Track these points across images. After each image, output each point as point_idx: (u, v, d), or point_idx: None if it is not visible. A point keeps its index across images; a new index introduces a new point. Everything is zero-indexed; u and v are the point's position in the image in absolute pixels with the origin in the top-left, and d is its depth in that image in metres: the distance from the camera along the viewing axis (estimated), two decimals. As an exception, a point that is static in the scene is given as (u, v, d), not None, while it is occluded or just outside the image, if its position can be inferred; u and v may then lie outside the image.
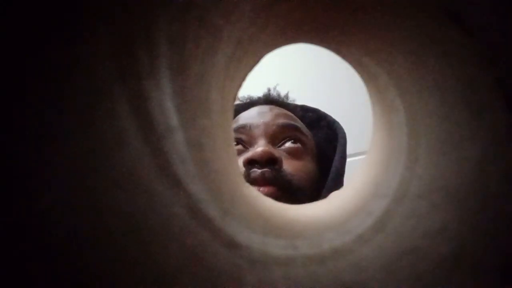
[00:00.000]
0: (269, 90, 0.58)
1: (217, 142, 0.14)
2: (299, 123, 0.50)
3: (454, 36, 0.14)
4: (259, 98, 0.57)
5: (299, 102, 0.60)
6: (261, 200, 0.16)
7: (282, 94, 0.59)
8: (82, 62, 0.12)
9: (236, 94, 0.17)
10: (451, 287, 0.13)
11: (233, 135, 0.17)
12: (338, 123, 0.56)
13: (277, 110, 0.51)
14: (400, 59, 0.15)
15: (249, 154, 0.41)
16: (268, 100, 0.56)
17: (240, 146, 0.46)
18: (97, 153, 0.12)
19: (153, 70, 0.12)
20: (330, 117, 0.57)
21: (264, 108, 0.51)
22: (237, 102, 0.58)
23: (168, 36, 0.13)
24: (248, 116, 0.49)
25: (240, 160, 0.42)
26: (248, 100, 0.58)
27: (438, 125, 0.14)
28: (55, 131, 0.12)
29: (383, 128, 0.17)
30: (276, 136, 0.46)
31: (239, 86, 0.17)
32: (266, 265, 0.13)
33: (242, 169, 0.42)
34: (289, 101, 0.58)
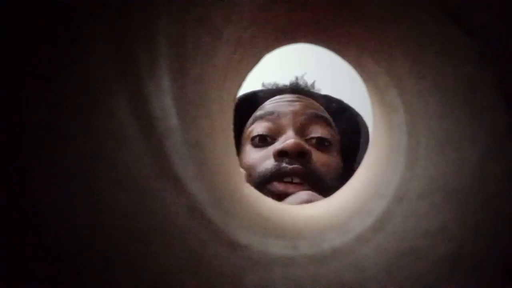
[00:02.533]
0: (297, 78, 0.55)
1: (217, 142, 0.14)
2: (327, 115, 0.48)
3: (454, 36, 0.14)
4: (285, 86, 0.54)
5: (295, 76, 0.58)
6: (261, 200, 0.16)
7: (309, 83, 0.56)
8: (82, 62, 0.12)
9: (236, 94, 0.17)
10: (451, 287, 0.13)
11: (232, 134, 0.17)
12: (361, 116, 0.54)
13: (305, 99, 0.49)
14: (400, 59, 0.15)
15: (279, 145, 0.40)
16: (295, 89, 0.53)
17: (266, 140, 0.44)
18: (97, 153, 0.12)
19: (153, 70, 0.12)
20: (354, 109, 0.55)
21: (292, 96, 0.49)
22: (262, 88, 0.55)
23: (168, 36, 0.13)
24: (276, 104, 0.47)
25: (269, 151, 0.41)
26: (274, 87, 0.55)
27: (438, 125, 0.14)
28: (55, 131, 0.12)
29: (383, 128, 0.17)
30: (304, 127, 0.44)
31: (239, 86, 0.17)
32: (266, 265, 0.13)
33: (271, 160, 0.40)
34: (315, 90, 0.56)
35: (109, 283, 0.12)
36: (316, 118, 0.46)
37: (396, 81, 0.15)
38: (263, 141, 0.44)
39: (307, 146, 0.41)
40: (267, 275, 0.13)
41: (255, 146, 0.45)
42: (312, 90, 0.55)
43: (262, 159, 0.42)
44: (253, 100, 0.51)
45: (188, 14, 0.13)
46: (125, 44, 0.12)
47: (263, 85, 0.57)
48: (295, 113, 0.45)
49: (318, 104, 0.50)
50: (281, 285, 0.13)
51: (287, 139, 0.41)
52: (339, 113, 0.53)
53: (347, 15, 0.15)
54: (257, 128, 0.45)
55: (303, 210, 0.17)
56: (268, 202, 0.17)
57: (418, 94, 0.14)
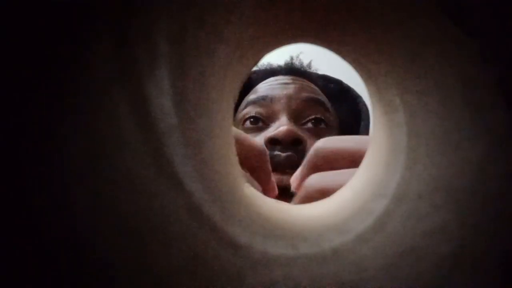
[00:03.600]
0: (292, 58, 0.52)
1: (217, 142, 0.14)
2: (324, 98, 0.46)
3: (454, 36, 0.14)
4: (279, 66, 0.51)
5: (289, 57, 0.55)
6: (261, 200, 0.16)
7: (305, 63, 0.53)
8: (82, 62, 0.12)
9: (236, 94, 0.17)
10: (451, 287, 0.13)
11: (233, 134, 0.17)
12: (362, 98, 0.51)
13: (300, 81, 0.46)
14: (400, 59, 0.15)
15: (271, 132, 0.38)
16: (290, 69, 0.50)
17: (258, 123, 0.41)
18: (96, 153, 0.12)
19: (153, 70, 0.12)
20: (354, 91, 0.52)
21: (286, 78, 0.46)
22: (255, 69, 0.52)
23: (168, 36, 0.13)
24: (269, 87, 0.44)
25: (261, 138, 0.38)
26: (267, 68, 0.52)
27: (438, 125, 0.14)
28: (55, 131, 0.12)
29: (383, 128, 0.17)
30: (299, 112, 0.42)
31: (239, 86, 0.17)
32: (266, 265, 0.13)
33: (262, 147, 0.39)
34: (311, 70, 0.52)
35: (109, 283, 0.12)
36: (312, 102, 0.43)
37: (396, 81, 0.15)
38: (255, 124, 0.42)
39: (301, 133, 0.39)
40: (267, 275, 0.13)
41: (247, 130, 0.42)
42: (308, 70, 0.52)
43: None
44: (246, 82, 0.51)
45: (188, 14, 0.13)
46: (125, 44, 0.12)
47: (257, 66, 0.55)
48: (289, 97, 0.42)
49: (314, 86, 0.47)
50: (281, 285, 0.13)
51: (280, 125, 0.39)
52: (338, 95, 0.51)
53: (347, 15, 0.15)
54: (250, 112, 0.42)
55: (303, 210, 0.17)
56: (268, 202, 0.17)
57: (418, 94, 0.14)
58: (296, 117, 0.42)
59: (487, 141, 0.13)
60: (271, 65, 0.54)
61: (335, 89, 0.52)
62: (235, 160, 0.16)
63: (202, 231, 0.13)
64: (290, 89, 0.44)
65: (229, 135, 0.16)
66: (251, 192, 0.16)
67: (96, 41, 0.12)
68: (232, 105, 0.17)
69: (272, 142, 0.38)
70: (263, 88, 0.45)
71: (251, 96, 0.44)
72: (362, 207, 0.15)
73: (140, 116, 0.12)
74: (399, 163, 0.15)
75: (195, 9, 0.13)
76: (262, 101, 0.43)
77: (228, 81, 0.15)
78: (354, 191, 0.17)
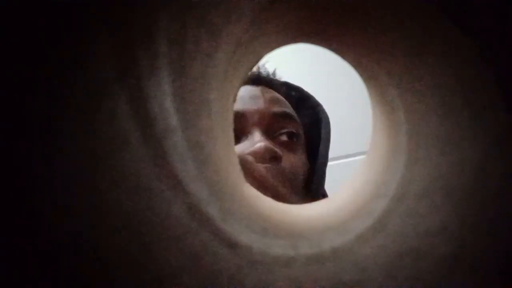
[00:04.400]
0: (258, 68, 0.52)
1: (217, 142, 0.14)
2: (291, 110, 0.46)
3: (454, 36, 0.14)
4: (249, 76, 0.50)
5: (256, 66, 0.55)
6: (261, 200, 0.16)
7: (270, 71, 0.53)
8: (82, 62, 0.12)
9: (236, 94, 0.17)
10: (451, 287, 0.13)
11: (232, 134, 0.17)
12: (321, 106, 0.52)
13: (269, 93, 0.47)
14: (400, 59, 0.15)
15: (250, 148, 0.39)
16: (257, 79, 0.50)
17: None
18: (97, 153, 0.12)
19: (153, 70, 0.12)
20: (314, 98, 0.53)
21: (255, 90, 0.46)
22: None
23: (168, 36, 0.13)
24: (239, 100, 0.44)
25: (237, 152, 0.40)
26: None
27: (438, 125, 0.14)
28: (55, 131, 0.12)
29: (383, 128, 0.17)
30: (271, 127, 0.43)
31: (239, 86, 0.17)
32: (266, 265, 0.13)
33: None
34: (276, 78, 0.53)
35: (109, 283, 0.12)
36: (283, 116, 0.44)
37: (396, 81, 0.15)
38: None
39: (277, 150, 0.40)
40: (267, 275, 0.13)
41: None
42: (273, 78, 0.52)
43: None
44: None
45: (188, 14, 0.13)
46: (125, 44, 0.12)
47: None
48: (261, 112, 0.43)
49: (282, 98, 0.48)
50: (281, 285, 0.13)
51: (256, 141, 0.40)
52: (300, 102, 0.52)
53: (347, 15, 0.15)
54: None
55: (304, 210, 0.17)
56: (268, 202, 0.17)
57: (418, 94, 0.14)
58: (268, 131, 0.43)
59: (486, 141, 0.13)
60: None
61: (296, 96, 0.53)
62: (235, 160, 0.16)
63: (202, 231, 0.13)
64: (261, 104, 0.44)
65: (229, 135, 0.16)
66: (251, 192, 0.16)
67: (96, 41, 0.12)
68: (232, 105, 0.17)
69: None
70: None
71: None
72: (362, 207, 0.15)
73: (140, 116, 0.12)
74: (399, 163, 0.15)
75: (195, 9, 0.13)
76: (235, 117, 0.43)
77: (228, 81, 0.15)
78: (354, 191, 0.17)
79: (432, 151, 0.14)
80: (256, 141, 0.39)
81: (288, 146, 0.43)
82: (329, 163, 0.50)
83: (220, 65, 0.14)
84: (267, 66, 0.52)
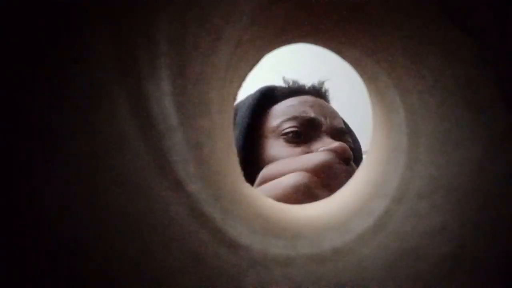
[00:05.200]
0: (322, 82, 0.56)
1: (217, 142, 0.14)
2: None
3: (454, 36, 0.14)
4: (310, 87, 0.55)
5: (317, 81, 0.58)
6: (261, 200, 0.16)
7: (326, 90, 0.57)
8: (82, 62, 0.12)
9: (236, 94, 0.17)
10: (451, 287, 0.13)
11: (233, 134, 0.17)
12: (353, 132, 0.56)
13: (331, 108, 0.50)
14: (400, 59, 0.15)
15: (331, 145, 0.40)
16: (318, 92, 0.54)
17: (300, 138, 0.44)
18: (97, 153, 0.12)
19: (153, 70, 0.12)
20: (347, 124, 0.57)
21: (321, 101, 0.50)
22: (283, 85, 0.55)
23: (168, 36, 0.13)
24: (308, 106, 0.47)
25: (302, 148, 0.42)
26: (295, 86, 0.55)
27: (438, 125, 0.14)
28: (55, 131, 0.12)
29: (383, 128, 0.17)
30: (334, 138, 0.45)
31: (239, 86, 0.17)
32: (266, 265, 0.13)
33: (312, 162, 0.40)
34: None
35: (109, 283, 0.12)
36: (342, 132, 0.47)
37: (396, 81, 0.15)
38: (297, 138, 0.44)
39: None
40: (267, 275, 0.13)
41: (289, 141, 0.45)
42: (328, 98, 0.56)
43: (302, 154, 0.42)
44: (272, 94, 0.51)
45: (188, 14, 0.13)
46: (125, 44, 0.12)
47: (284, 80, 0.56)
48: (329, 123, 0.46)
49: (339, 115, 0.51)
50: (281, 285, 0.13)
51: (329, 143, 0.41)
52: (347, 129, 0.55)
53: (347, 15, 0.15)
54: (293, 126, 0.45)
55: (303, 210, 0.17)
56: (268, 202, 0.17)
57: (418, 94, 0.14)
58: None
59: (486, 141, 0.13)
60: (298, 82, 0.56)
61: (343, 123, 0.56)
62: (235, 160, 0.16)
63: (202, 231, 0.13)
64: (329, 115, 0.47)
65: (229, 136, 0.16)
66: (251, 192, 0.16)
67: (96, 41, 0.12)
68: (232, 105, 0.17)
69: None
70: (302, 105, 0.48)
71: (294, 113, 0.47)
72: (362, 207, 0.15)
73: (140, 116, 0.12)
74: (399, 163, 0.15)
75: (195, 9, 0.13)
76: (312, 122, 0.46)
77: (228, 81, 0.15)
78: (354, 191, 0.17)
79: (432, 151, 0.14)
80: (329, 142, 0.42)
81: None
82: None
83: (220, 65, 0.14)
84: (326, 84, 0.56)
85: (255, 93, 0.52)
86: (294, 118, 0.46)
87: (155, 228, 0.12)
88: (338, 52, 0.18)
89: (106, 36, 0.12)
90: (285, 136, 0.45)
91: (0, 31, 0.11)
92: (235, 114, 0.51)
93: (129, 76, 0.12)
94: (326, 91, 0.56)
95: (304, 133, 0.44)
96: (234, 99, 0.17)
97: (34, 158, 0.12)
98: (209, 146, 0.13)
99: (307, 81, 0.56)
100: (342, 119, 0.51)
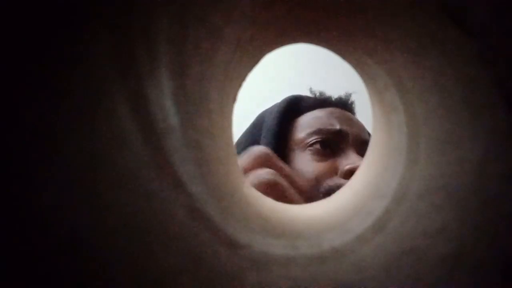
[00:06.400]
0: (349, 95, 0.56)
1: (217, 142, 0.14)
2: None
3: (454, 36, 0.14)
4: (337, 99, 0.55)
5: (343, 93, 0.59)
6: (261, 200, 0.16)
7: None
8: (82, 62, 0.12)
9: (236, 94, 0.17)
10: (451, 287, 0.13)
11: (232, 134, 0.17)
12: None
13: (358, 121, 0.50)
14: (400, 59, 0.15)
15: (350, 165, 0.41)
16: (345, 105, 0.54)
17: (327, 150, 0.45)
18: (97, 153, 0.12)
19: (153, 70, 0.12)
20: None
21: (348, 114, 0.50)
22: (310, 95, 0.56)
23: (168, 36, 0.13)
24: (336, 118, 0.47)
25: (335, 166, 0.42)
26: (322, 97, 0.56)
27: (438, 125, 0.14)
28: (55, 131, 0.12)
29: (383, 128, 0.17)
30: (361, 152, 0.45)
31: (239, 86, 0.17)
32: (266, 265, 0.13)
33: (339, 177, 0.41)
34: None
35: (109, 283, 0.12)
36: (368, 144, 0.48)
37: (396, 81, 0.15)
38: (324, 149, 0.45)
39: None
40: (267, 275, 0.13)
41: (315, 154, 0.45)
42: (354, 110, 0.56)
43: (329, 172, 0.42)
44: (298, 105, 0.52)
45: (188, 14, 0.13)
46: (125, 44, 0.12)
47: (310, 91, 0.57)
48: (355, 135, 0.46)
49: (365, 128, 0.51)
50: (281, 285, 0.13)
51: (354, 160, 0.42)
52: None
53: (347, 15, 0.15)
54: (320, 138, 0.45)
55: (303, 210, 0.17)
56: (268, 202, 0.17)
57: (418, 94, 0.14)
58: (359, 154, 0.45)
59: (487, 141, 0.13)
60: (324, 94, 0.57)
61: None
62: (235, 160, 0.16)
63: (202, 231, 0.13)
64: (356, 128, 0.47)
65: (229, 135, 0.16)
66: (251, 192, 0.16)
67: (96, 41, 0.12)
68: (233, 105, 0.17)
69: (351, 174, 0.41)
70: (329, 117, 0.48)
71: (320, 126, 0.47)
72: (362, 207, 0.15)
73: (140, 116, 0.12)
74: (399, 163, 0.15)
75: (195, 9, 0.13)
76: (338, 133, 0.46)
77: (228, 81, 0.15)
78: (354, 191, 0.17)
79: (432, 151, 0.14)
80: (355, 159, 0.42)
81: None
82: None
83: (220, 65, 0.14)
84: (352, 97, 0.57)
85: (281, 103, 0.52)
86: (320, 130, 0.46)
87: (155, 228, 0.12)
88: (338, 52, 0.18)
89: (106, 36, 0.12)
90: (311, 148, 0.45)
91: (0, 31, 0.11)
92: (261, 124, 0.51)
93: (129, 76, 0.12)
94: (352, 103, 0.56)
95: (331, 145, 0.44)
96: (234, 99, 0.17)
97: (34, 158, 0.12)
98: (209, 146, 0.13)
99: (334, 93, 0.56)
100: (367, 131, 0.51)
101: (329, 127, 0.46)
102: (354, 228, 0.14)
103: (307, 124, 0.48)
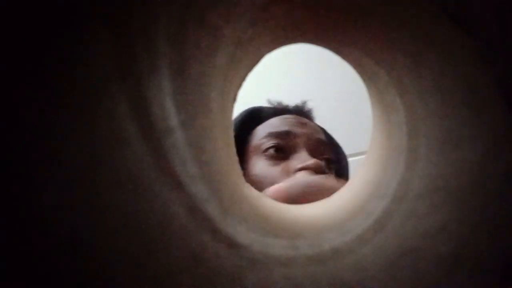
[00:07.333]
0: (305, 102, 0.60)
1: (217, 142, 0.14)
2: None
3: (454, 36, 0.14)
4: (294, 107, 0.59)
5: (300, 101, 0.62)
6: (261, 200, 0.16)
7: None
8: (82, 62, 0.12)
9: (236, 94, 0.17)
10: (451, 287, 0.13)
11: (232, 134, 0.17)
12: (341, 147, 0.59)
13: (312, 123, 0.53)
14: (400, 59, 0.15)
15: (305, 163, 0.43)
16: (301, 111, 0.58)
17: (280, 153, 0.47)
18: (97, 153, 0.12)
19: (153, 70, 0.12)
20: (334, 139, 0.60)
21: (301, 119, 0.53)
22: (268, 105, 0.59)
23: (168, 36, 0.13)
24: (288, 123, 0.50)
25: (288, 168, 0.44)
26: (279, 106, 0.60)
27: (438, 125, 0.14)
28: (55, 131, 0.12)
29: (383, 128, 0.17)
30: (315, 151, 0.47)
31: (239, 86, 0.17)
32: (266, 265, 0.13)
33: (290, 174, 0.42)
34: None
35: (109, 283, 0.12)
36: (325, 144, 0.50)
37: (396, 81, 0.15)
38: (278, 153, 0.47)
39: (325, 168, 0.44)
40: (267, 275, 0.13)
41: (269, 158, 0.47)
42: (311, 116, 0.60)
43: (282, 174, 0.44)
44: (258, 115, 0.55)
45: (188, 14, 0.13)
46: (125, 44, 0.12)
47: (269, 101, 0.61)
48: (308, 136, 0.48)
49: (321, 130, 0.53)
50: (281, 285, 0.13)
51: (305, 159, 0.44)
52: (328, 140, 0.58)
53: (348, 15, 0.15)
54: (273, 143, 0.48)
55: (303, 210, 0.17)
56: (268, 202, 0.17)
57: (418, 94, 0.14)
58: (312, 153, 0.48)
59: (487, 141, 0.14)
60: (281, 103, 0.61)
61: (326, 135, 0.59)
62: (235, 160, 0.16)
63: (202, 231, 0.13)
64: (308, 129, 0.50)
65: (229, 135, 0.16)
66: (251, 192, 0.16)
67: (96, 41, 0.12)
68: (233, 105, 0.17)
69: (302, 170, 0.44)
70: (282, 123, 0.51)
71: (271, 129, 0.50)
72: (362, 207, 0.15)
73: (140, 116, 0.12)
74: (399, 163, 0.15)
75: (195, 9, 0.13)
76: (285, 135, 0.49)
77: (228, 81, 0.15)
78: (354, 191, 0.17)
79: (432, 151, 0.14)
80: (306, 159, 0.44)
81: (328, 171, 0.47)
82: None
83: (220, 65, 0.14)
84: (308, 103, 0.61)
85: (241, 114, 0.55)
86: (270, 133, 0.49)
87: (155, 228, 0.12)
88: (338, 52, 0.18)
89: (106, 36, 0.12)
90: (266, 153, 0.47)
91: (1, 31, 0.11)
92: None
93: (129, 76, 0.12)
94: (309, 110, 0.60)
95: (284, 148, 0.46)
96: (234, 99, 0.17)
97: (34, 158, 0.12)
98: (209, 146, 0.13)
99: (291, 102, 0.60)
100: (324, 133, 0.53)
101: (278, 130, 0.48)
102: (354, 228, 0.14)
103: (261, 131, 0.51)
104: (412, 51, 0.14)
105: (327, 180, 0.33)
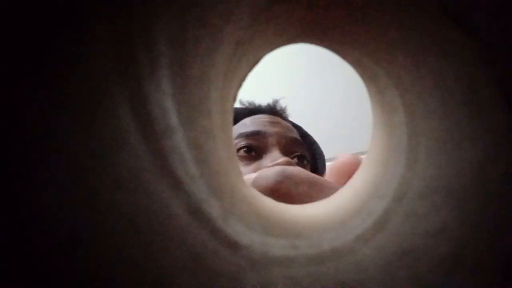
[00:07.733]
0: (276, 101, 0.60)
1: (217, 142, 0.14)
2: (301, 140, 0.53)
3: (454, 36, 0.14)
4: (266, 106, 0.59)
5: (300, 101, 0.63)
6: (261, 200, 0.16)
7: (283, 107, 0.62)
8: (82, 62, 0.12)
9: (236, 94, 0.17)
10: (451, 287, 0.13)
11: (232, 135, 0.17)
12: (317, 144, 0.60)
13: (284, 122, 0.54)
14: (400, 59, 0.15)
15: (274, 162, 0.43)
16: (273, 110, 0.58)
17: (251, 153, 0.47)
18: (96, 153, 0.12)
19: (153, 70, 0.12)
20: (311, 136, 0.62)
21: (273, 118, 0.53)
22: (240, 106, 0.59)
23: (168, 36, 0.13)
24: (260, 123, 0.50)
25: (259, 167, 0.44)
26: (252, 106, 0.60)
27: (438, 125, 0.14)
28: (55, 131, 0.12)
29: (383, 128, 0.17)
30: (287, 149, 0.48)
31: (239, 86, 0.17)
32: (266, 265, 0.13)
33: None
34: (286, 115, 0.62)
35: (109, 283, 0.12)
36: (297, 141, 0.51)
37: (396, 81, 0.15)
38: (248, 153, 0.48)
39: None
40: (267, 275, 0.13)
41: (241, 159, 0.48)
42: (285, 114, 0.61)
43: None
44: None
45: (188, 14, 0.13)
46: (125, 44, 0.12)
47: (240, 102, 0.61)
48: (279, 134, 0.49)
49: (293, 128, 0.55)
50: (281, 285, 0.13)
51: (276, 158, 0.44)
52: (302, 138, 0.59)
53: (348, 15, 0.15)
54: (244, 143, 0.49)
55: (303, 210, 0.17)
56: (268, 202, 0.17)
57: (418, 94, 0.14)
58: (284, 152, 0.49)
59: (487, 141, 0.13)
60: (253, 103, 0.61)
61: (300, 133, 0.60)
62: (235, 160, 0.16)
63: (202, 231, 0.13)
64: (279, 128, 0.51)
65: (229, 136, 0.16)
66: (251, 192, 0.16)
67: (96, 41, 0.12)
68: (232, 105, 0.17)
69: None
70: (254, 123, 0.52)
71: (243, 130, 0.51)
72: (362, 207, 0.15)
73: (140, 116, 0.12)
74: (399, 163, 0.15)
75: (195, 9, 0.13)
76: (256, 135, 0.49)
77: (228, 81, 0.15)
78: (354, 191, 0.17)
79: (432, 151, 0.14)
80: (277, 157, 0.45)
81: (301, 167, 0.47)
82: (329, 163, 0.53)
83: (220, 65, 0.14)
84: (280, 102, 0.61)
85: None
86: (240, 134, 0.49)
87: (155, 228, 0.12)
88: (338, 52, 0.18)
89: (106, 36, 0.12)
90: (238, 154, 0.48)
91: (0, 31, 0.11)
92: None
93: (129, 76, 0.12)
94: (281, 109, 0.61)
95: (255, 148, 0.46)
96: (234, 99, 0.17)
97: (34, 158, 0.12)
98: (209, 146, 0.13)
99: (263, 101, 0.61)
100: (299, 131, 0.54)
101: (248, 130, 0.49)
102: (354, 228, 0.14)
103: (234, 132, 0.52)
104: (412, 51, 0.14)
105: (298, 168, 0.33)
